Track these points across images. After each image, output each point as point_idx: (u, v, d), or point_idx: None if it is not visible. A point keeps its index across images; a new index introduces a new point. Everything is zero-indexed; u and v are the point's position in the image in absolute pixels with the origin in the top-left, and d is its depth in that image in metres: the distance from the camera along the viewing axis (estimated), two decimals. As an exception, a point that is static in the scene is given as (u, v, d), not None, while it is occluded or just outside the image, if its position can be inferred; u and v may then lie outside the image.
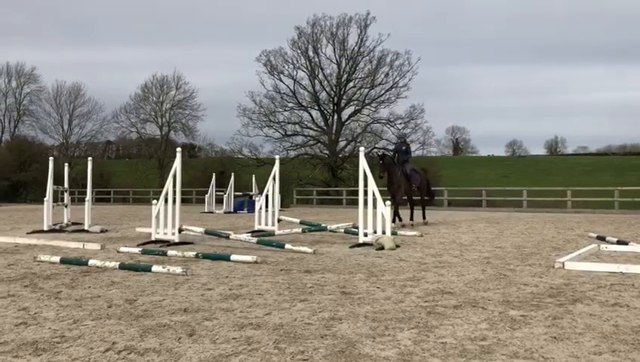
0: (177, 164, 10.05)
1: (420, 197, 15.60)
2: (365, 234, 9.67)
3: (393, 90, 46.00)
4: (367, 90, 46.71)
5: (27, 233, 12.40)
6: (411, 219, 15.11)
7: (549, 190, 31.66)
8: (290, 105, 47.32)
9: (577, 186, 30.32)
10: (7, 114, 55.87)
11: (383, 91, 46.34)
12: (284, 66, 46.62)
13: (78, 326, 4.18)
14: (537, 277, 6.34)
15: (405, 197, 15.43)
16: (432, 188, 17.56)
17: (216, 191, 26.79)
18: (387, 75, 46.01)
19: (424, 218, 15.48)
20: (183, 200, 10.64)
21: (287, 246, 8.80)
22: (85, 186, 13.98)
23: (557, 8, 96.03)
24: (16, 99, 55.79)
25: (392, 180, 14.17)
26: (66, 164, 15.66)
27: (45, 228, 12.94)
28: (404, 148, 15.25)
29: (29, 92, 56.07)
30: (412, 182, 14.60)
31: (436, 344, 3.71)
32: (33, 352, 3.56)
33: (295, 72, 46.67)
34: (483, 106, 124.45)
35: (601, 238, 10.30)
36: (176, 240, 9.84)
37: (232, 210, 25.26)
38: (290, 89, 46.83)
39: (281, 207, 14.28)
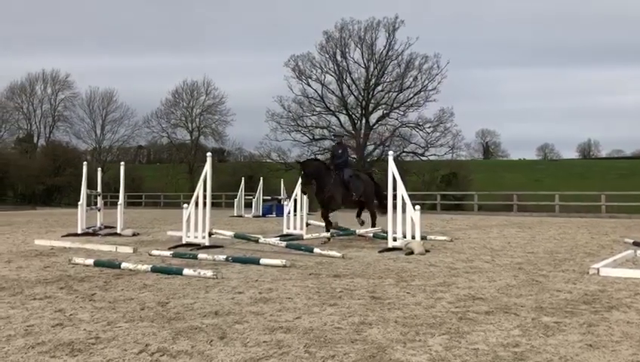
0: (207, 168, 10.15)
1: (369, 210, 12.68)
2: (394, 239, 9.62)
3: (422, 93, 45.79)
4: (395, 94, 46.58)
5: (62, 236, 12.68)
6: (373, 225, 12.44)
7: (582, 194, 31.00)
8: (318, 109, 47.48)
9: (612, 190, 29.62)
10: (43, 120, 57.37)
11: (411, 95, 46.17)
12: (312, 71, 46.86)
13: (112, 328, 4.26)
14: (571, 283, 6.22)
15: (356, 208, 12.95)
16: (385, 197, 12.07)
17: (245, 195, 27.02)
18: (416, 78, 45.84)
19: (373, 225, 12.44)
20: (212, 204, 10.73)
21: (316, 250, 8.81)
22: (117, 190, 14.24)
23: (588, 10, 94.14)
24: (51, 106, 57.26)
25: (323, 188, 11.35)
26: (99, 169, 15.97)
27: (79, 232, 13.22)
28: (340, 151, 12.32)
29: (64, 98, 57.49)
30: (352, 190, 11.77)
31: (468, 350, 3.67)
32: (69, 353, 3.64)
33: (323, 77, 46.85)
34: (513, 109, 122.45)
35: (638, 244, 10.04)
36: (207, 244, 9.94)
37: (260, 214, 25.42)
38: (318, 93, 47.02)
39: (309, 211, 14.26)
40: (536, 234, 13.49)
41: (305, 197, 12.52)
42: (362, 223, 12.47)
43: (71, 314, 4.72)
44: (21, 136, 56.90)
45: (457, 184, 41.79)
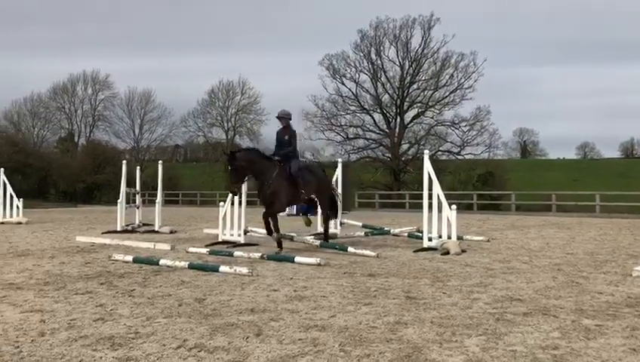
0: (243, 167, 10.23)
1: (321, 209, 10.67)
2: (430, 239, 9.53)
3: (458, 91, 45.16)
4: (430, 92, 46.09)
5: (102, 233, 12.99)
6: (326, 239, 10.26)
7: (624, 195, 30.07)
8: (352, 108, 47.36)
9: (656, 191, 28.66)
10: (84, 119, 58.88)
11: (447, 93, 45.59)
12: (346, 70, 46.76)
13: (151, 323, 4.35)
14: (613, 285, 6.05)
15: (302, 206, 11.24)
16: (339, 196, 11.51)
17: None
18: (452, 76, 45.23)
19: (326, 239, 10.28)
20: (247, 203, 10.85)
21: (350, 249, 8.81)
22: (155, 188, 14.53)
23: (628, 5, 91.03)
24: (91, 106, 58.74)
25: (264, 184, 9.24)
26: (138, 167, 16.29)
27: (118, 229, 13.52)
28: (286, 137, 9.80)
29: (103, 98, 58.90)
30: (301, 187, 9.61)
31: (505, 352, 3.62)
32: (110, 347, 3.74)
33: (357, 75, 46.70)
34: (552, 108, 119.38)
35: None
36: (242, 242, 10.05)
37: (294, 213, 25.54)
38: (352, 92, 46.90)
39: (343, 210, 14.19)
40: (575, 234, 13.18)
41: (339, 196, 12.44)
42: (309, 223, 10.83)
43: (111, 309, 4.84)
44: (63, 135, 58.52)
45: (494, 183, 41.08)
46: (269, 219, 9.20)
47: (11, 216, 17.39)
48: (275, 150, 9.89)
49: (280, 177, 9.32)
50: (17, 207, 17.44)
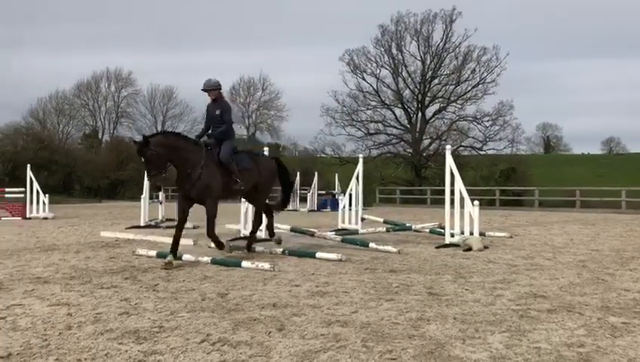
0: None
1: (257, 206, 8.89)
2: (452, 235, 9.47)
3: (480, 86, 44.74)
4: (452, 87, 45.71)
5: (126, 228, 13.17)
6: (270, 235, 8.95)
7: (651, 190, 29.50)
8: (372, 103, 47.22)
9: (684, 186, 28.05)
10: (107, 116, 59.71)
11: (469, 88, 45.18)
12: (367, 65, 46.60)
13: (174, 318, 4.40)
14: (640, 282, 5.95)
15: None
16: (291, 189, 10.04)
17: (300, 189, 27.28)
18: (474, 71, 44.82)
19: (271, 235, 8.97)
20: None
21: (372, 245, 8.79)
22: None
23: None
24: (114, 102, 59.52)
25: (187, 172, 7.49)
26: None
27: (142, 224, 13.70)
28: (217, 112, 8.08)
29: (126, 95, 59.64)
30: (238, 176, 7.90)
31: (530, 349, 3.58)
32: (135, 340, 3.79)
33: (378, 70, 46.51)
34: (576, 102, 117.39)
35: None
36: (264, 237, 10.09)
37: (315, 208, 25.60)
38: (373, 87, 46.75)
39: (364, 206, 14.11)
40: (600, 231, 12.98)
41: (360, 191, 12.40)
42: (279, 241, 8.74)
43: (136, 303, 4.90)
44: (87, 132, 59.38)
45: (517, 179, 40.57)
46: (213, 223, 7.78)
47: (38, 211, 17.74)
48: (203, 130, 8.31)
49: (209, 165, 7.62)
50: (43, 202, 17.78)
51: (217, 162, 7.80)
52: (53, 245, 9.72)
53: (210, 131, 8.20)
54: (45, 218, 17.29)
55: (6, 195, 18.37)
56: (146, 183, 14.27)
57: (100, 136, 59.60)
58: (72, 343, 3.73)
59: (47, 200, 17.78)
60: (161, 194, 15.75)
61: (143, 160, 7.31)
